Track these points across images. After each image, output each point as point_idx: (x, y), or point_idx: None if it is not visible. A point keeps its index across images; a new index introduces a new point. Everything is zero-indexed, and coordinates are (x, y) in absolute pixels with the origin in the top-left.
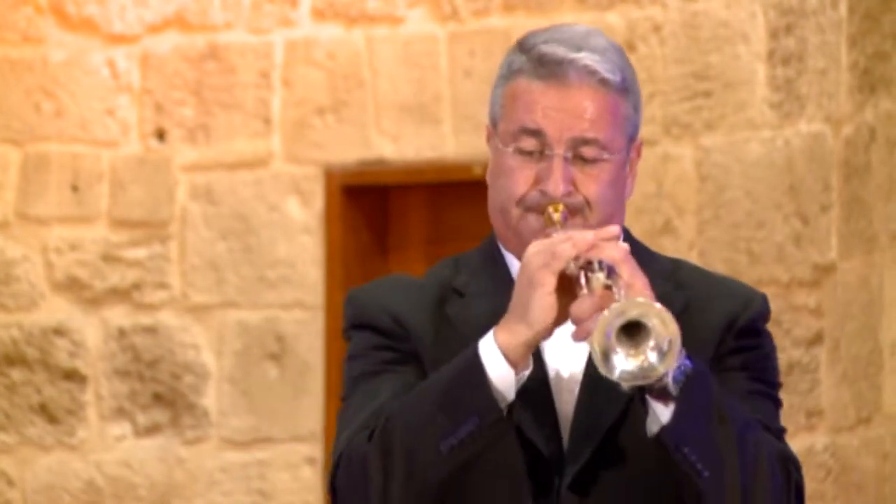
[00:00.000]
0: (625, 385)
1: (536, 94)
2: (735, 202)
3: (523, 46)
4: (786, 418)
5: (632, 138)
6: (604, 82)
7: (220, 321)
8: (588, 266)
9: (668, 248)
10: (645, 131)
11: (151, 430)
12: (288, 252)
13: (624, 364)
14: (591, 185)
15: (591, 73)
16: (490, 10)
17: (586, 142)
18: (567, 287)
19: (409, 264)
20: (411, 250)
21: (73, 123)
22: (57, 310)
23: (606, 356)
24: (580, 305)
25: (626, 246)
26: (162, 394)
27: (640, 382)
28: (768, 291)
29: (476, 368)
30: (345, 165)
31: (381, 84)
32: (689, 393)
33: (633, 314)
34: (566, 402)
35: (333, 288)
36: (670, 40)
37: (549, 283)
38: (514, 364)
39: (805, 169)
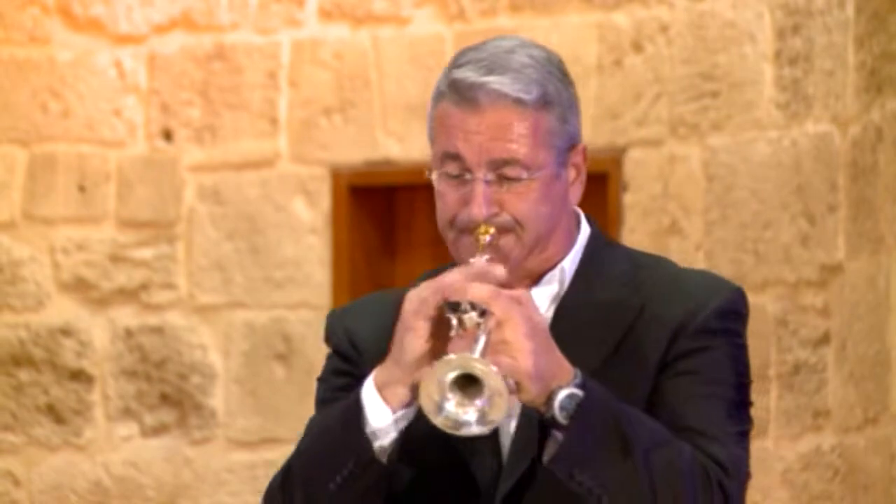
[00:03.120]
0: (454, 433)
1: (454, 119)
2: (742, 202)
3: (447, 69)
4: (793, 418)
5: (568, 148)
6: (518, 101)
7: (226, 321)
8: (461, 307)
9: (675, 248)
10: (651, 131)
11: (158, 430)
12: (295, 252)
13: (456, 414)
14: (518, 203)
15: (502, 95)
16: (497, 10)
17: (506, 162)
18: (448, 327)
19: (416, 264)
20: (418, 250)
21: (80, 124)
22: (64, 310)
23: (439, 406)
24: (452, 348)
25: (494, 280)
26: (169, 394)
27: (462, 432)
28: (775, 292)
29: (356, 410)
30: (351, 166)
31: (387, 84)
32: (578, 420)
33: (456, 369)
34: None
35: (340, 288)
36: (677, 40)
37: (420, 327)
38: (391, 405)
39: (812, 169)
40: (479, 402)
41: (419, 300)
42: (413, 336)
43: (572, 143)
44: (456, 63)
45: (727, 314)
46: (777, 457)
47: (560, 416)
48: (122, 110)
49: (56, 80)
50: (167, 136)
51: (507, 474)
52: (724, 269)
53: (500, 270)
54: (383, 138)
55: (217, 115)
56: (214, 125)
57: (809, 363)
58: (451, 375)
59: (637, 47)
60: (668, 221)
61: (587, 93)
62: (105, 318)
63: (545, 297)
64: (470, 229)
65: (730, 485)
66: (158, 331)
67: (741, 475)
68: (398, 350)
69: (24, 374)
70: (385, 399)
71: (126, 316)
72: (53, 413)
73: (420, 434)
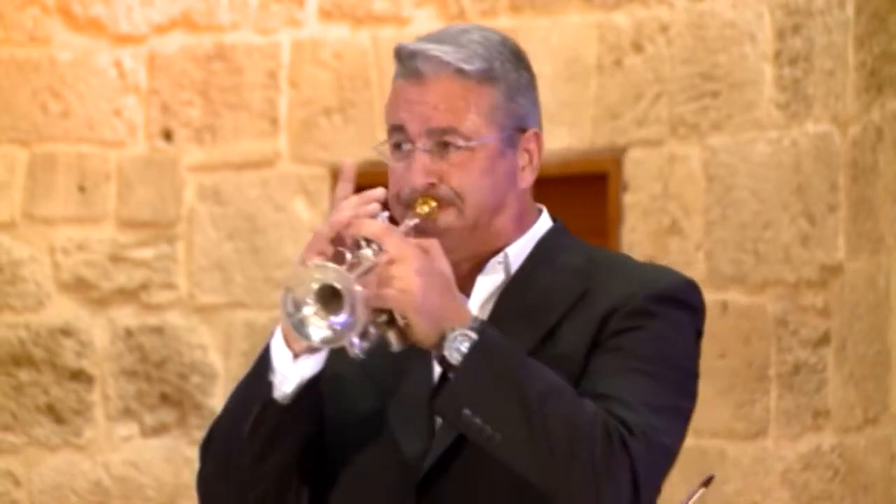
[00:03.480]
0: (323, 346)
1: (400, 91)
2: (742, 202)
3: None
4: (793, 418)
5: (517, 129)
6: (459, 72)
7: (227, 321)
8: (357, 244)
9: (675, 248)
10: (651, 131)
11: (158, 430)
12: (294, 252)
13: (308, 321)
14: (457, 175)
15: (443, 63)
16: (497, 10)
17: (444, 131)
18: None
19: None
20: None
21: (80, 124)
22: (64, 310)
23: (297, 307)
24: None
25: (383, 217)
26: (169, 394)
27: (335, 344)
28: (775, 292)
29: (264, 357)
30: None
31: (387, 84)
32: (471, 361)
33: (323, 277)
34: None
35: None
36: (677, 40)
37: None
38: (293, 349)
39: (812, 169)
40: (334, 319)
41: (314, 235)
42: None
43: (521, 125)
44: (405, 42)
45: (664, 299)
46: (777, 457)
47: (452, 357)
48: (122, 110)
49: (56, 80)
50: (167, 136)
51: (434, 450)
52: (724, 269)
53: (406, 220)
54: (383, 138)
55: (217, 115)
56: (214, 125)
57: (809, 363)
58: (316, 284)
59: (637, 47)
60: (668, 221)
61: (587, 93)
62: (105, 318)
63: (491, 284)
64: (412, 202)
65: (635, 446)
66: (158, 331)
67: (652, 443)
68: None
69: (24, 374)
70: (288, 344)
71: (126, 316)
72: (53, 413)
73: (355, 407)
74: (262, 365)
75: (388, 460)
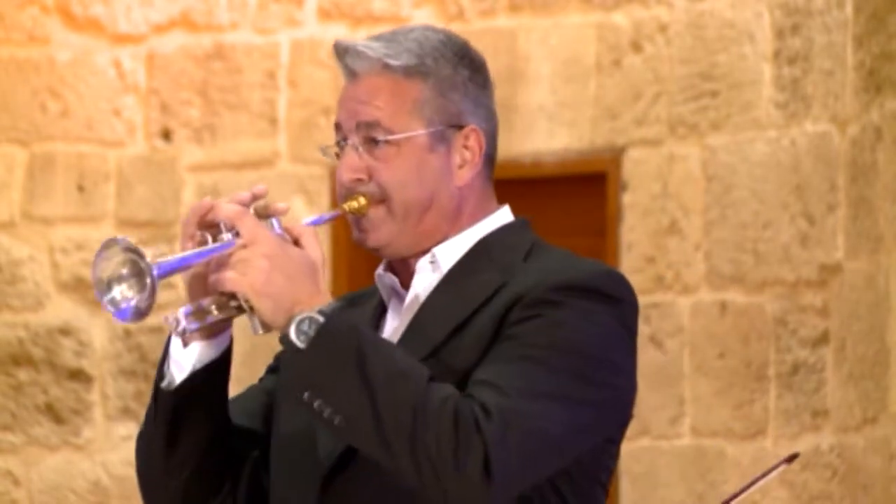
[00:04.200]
0: (132, 322)
1: (342, 91)
2: (741, 202)
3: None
4: (792, 418)
5: (449, 125)
6: (386, 67)
7: None
8: (218, 228)
9: (674, 248)
10: (650, 131)
11: None
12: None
13: (116, 297)
14: (384, 170)
15: (370, 59)
16: (496, 10)
17: (369, 126)
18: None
19: None
20: None
21: (79, 123)
22: (63, 310)
23: (108, 284)
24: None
25: (242, 200)
26: None
27: (116, 317)
28: (774, 292)
29: (166, 345)
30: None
31: None
32: (314, 344)
33: (123, 253)
34: None
35: (340, 288)
36: (676, 40)
37: (186, 248)
38: (182, 339)
39: (811, 169)
40: (138, 296)
41: (183, 221)
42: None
43: (456, 122)
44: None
45: (570, 288)
46: (776, 456)
47: (297, 340)
48: (122, 110)
49: (55, 80)
50: (166, 135)
51: (338, 446)
52: (724, 269)
53: (281, 206)
54: None
55: (216, 114)
56: (214, 125)
57: (808, 363)
58: (120, 259)
59: (636, 47)
60: (668, 221)
61: (586, 93)
62: (104, 318)
63: (426, 283)
64: (345, 198)
65: (489, 427)
66: (157, 330)
67: (515, 425)
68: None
69: (23, 374)
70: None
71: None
72: (52, 413)
73: (284, 403)
74: (163, 355)
75: (306, 455)
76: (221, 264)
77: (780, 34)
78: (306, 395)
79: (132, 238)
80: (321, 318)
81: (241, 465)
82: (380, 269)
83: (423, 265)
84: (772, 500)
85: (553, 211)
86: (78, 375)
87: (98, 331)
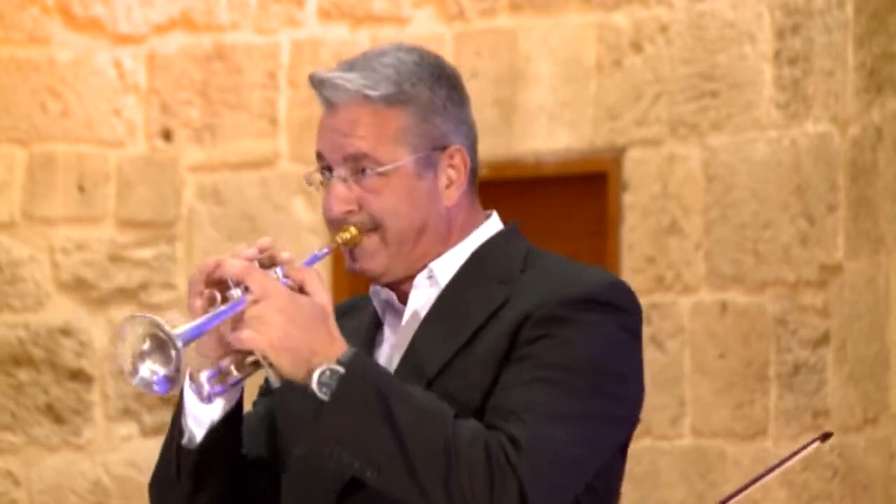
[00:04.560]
0: (146, 391)
1: (321, 120)
2: (742, 202)
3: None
4: (792, 418)
5: (434, 147)
6: (365, 98)
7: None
8: (225, 285)
9: (675, 248)
10: (651, 131)
11: (158, 430)
12: (294, 252)
13: (146, 377)
14: (374, 201)
15: (348, 91)
16: (496, 10)
17: (355, 158)
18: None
19: None
20: None
21: (80, 123)
22: (63, 310)
23: (134, 367)
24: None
25: (248, 256)
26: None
27: (151, 392)
28: (775, 292)
29: (180, 402)
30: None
31: None
32: (337, 396)
33: (143, 328)
34: None
35: (340, 288)
36: (677, 40)
37: (195, 306)
38: (198, 393)
39: (812, 169)
40: (165, 368)
41: (190, 281)
42: (191, 316)
43: (439, 144)
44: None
45: (579, 302)
46: (776, 456)
47: (320, 393)
48: (122, 110)
49: (56, 80)
50: (167, 135)
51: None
52: (724, 269)
53: (285, 255)
54: None
55: (217, 115)
56: (214, 125)
57: (809, 363)
58: (139, 336)
59: (637, 47)
60: (668, 221)
61: (587, 93)
62: (104, 318)
63: (424, 299)
64: (335, 230)
65: (521, 462)
66: None
67: (546, 455)
68: None
69: (23, 374)
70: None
71: (125, 316)
72: (53, 413)
73: (300, 416)
74: (178, 409)
75: (316, 476)
76: (237, 323)
77: (781, 34)
78: (335, 449)
79: (146, 312)
80: (341, 370)
81: (257, 494)
82: (375, 285)
83: (420, 281)
84: (772, 501)
85: (553, 211)
86: (78, 376)
87: (98, 331)
